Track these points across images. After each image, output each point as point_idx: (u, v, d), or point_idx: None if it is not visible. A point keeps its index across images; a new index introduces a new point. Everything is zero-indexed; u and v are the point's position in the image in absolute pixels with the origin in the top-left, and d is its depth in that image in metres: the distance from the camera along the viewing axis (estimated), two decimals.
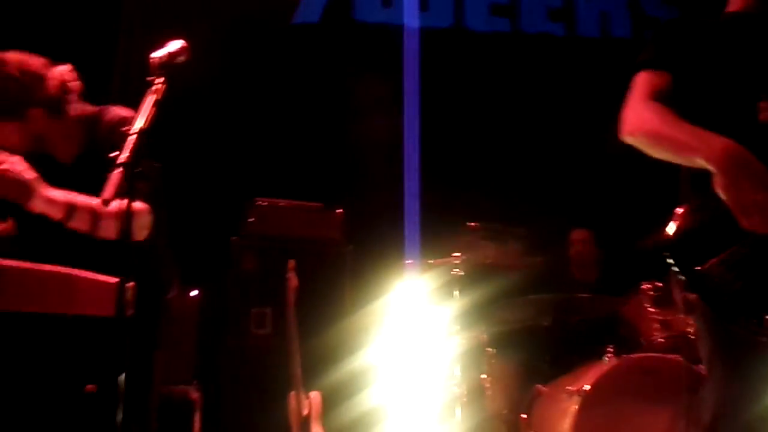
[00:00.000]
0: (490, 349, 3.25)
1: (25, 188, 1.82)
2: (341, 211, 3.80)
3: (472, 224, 3.24)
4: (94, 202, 1.90)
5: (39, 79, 2.04)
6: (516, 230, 3.29)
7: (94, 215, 1.90)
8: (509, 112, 4.43)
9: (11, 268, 1.69)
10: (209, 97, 4.02)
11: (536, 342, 3.38)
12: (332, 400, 3.31)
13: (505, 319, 3.34)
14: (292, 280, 3.32)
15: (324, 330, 3.54)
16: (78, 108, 2.12)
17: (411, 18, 4.53)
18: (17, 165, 1.85)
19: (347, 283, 3.71)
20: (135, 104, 2.17)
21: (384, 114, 4.28)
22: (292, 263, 3.35)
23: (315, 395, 3.22)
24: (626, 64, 1.88)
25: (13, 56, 2.04)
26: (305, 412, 3.19)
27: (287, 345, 3.27)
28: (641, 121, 1.75)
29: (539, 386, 3.16)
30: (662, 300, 3.04)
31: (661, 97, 1.76)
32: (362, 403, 3.40)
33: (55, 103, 2.06)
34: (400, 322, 3.43)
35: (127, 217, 1.59)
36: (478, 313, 3.32)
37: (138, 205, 1.70)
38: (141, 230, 1.95)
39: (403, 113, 4.29)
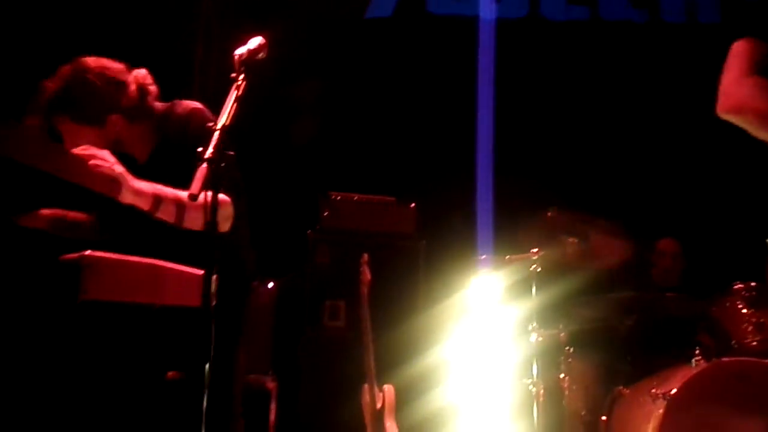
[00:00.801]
0: (568, 348, 3.15)
1: (115, 181, 1.88)
2: (414, 205, 3.79)
3: (550, 213, 3.13)
4: (179, 193, 1.94)
5: (119, 85, 2.08)
6: (597, 224, 3.17)
7: (180, 207, 1.94)
8: (588, 104, 4.28)
9: (103, 259, 1.76)
10: (283, 91, 4.08)
11: (618, 342, 3.26)
12: (406, 395, 3.30)
13: (585, 318, 3.24)
14: (366, 273, 3.33)
15: (397, 324, 3.54)
16: (153, 108, 2.16)
17: (485, 9, 4.45)
18: (107, 158, 1.92)
19: (420, 278, 3.70)
20: (214, 101, 2.23)
21: (457, 106, 4.22)
22: (365, 257, 3.36)
23: (388, 389, 3.22)
24: (715, 51, 1.77)
25: (93, 62, 2.09)
26: (379, 405, 3.20)
27: (361, 338, 3.28)
28: (747, 97, 1.63)
29: (621, 388, 3.05)
30: (757, 300, 2.86)
31: (763, 69, 1.64)
32: (436, 398, 3.38)
33: (134, 109, 2.10)
34: (475, 318, 3.38)
35: (213, 209, 1.63)
36: (556, 311, 3.23)
37: (221, 197, 1.73)
38: (225, 221, 1.98)
39: (477, 105, 4.22)
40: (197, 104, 2.14)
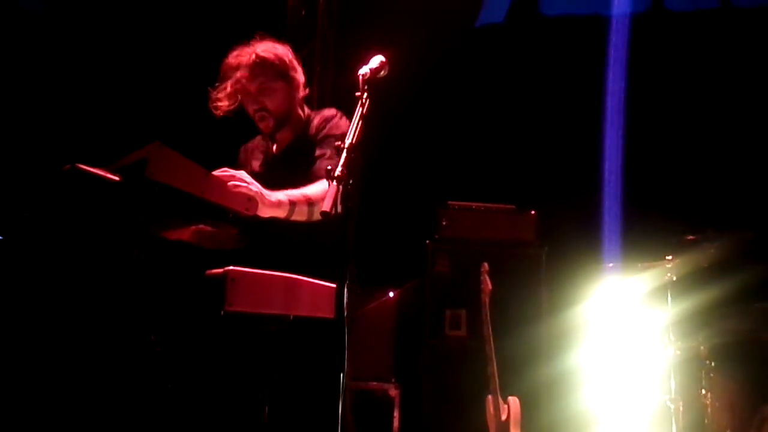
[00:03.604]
0: (710, 363, 2.94)
1: (253, 200, 2.01)
2: (535, 212, 3.72)
3: (690, 237, 2.96)
4: (306, 191, 2.13)
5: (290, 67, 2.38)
6: (739, 231, 2.94)
7: (310, 205, 2.12)
8: (720, 101, 3.99)
9: (245, 273, 1.88)
10: (400, 104, 4.14)
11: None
12: (530, 406, 3.23)
13: (729, 330, 3.00)
14: (487, 282, 3.30)
15: (520, 333, 3.48)
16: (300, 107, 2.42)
17: (602, 5, 4.29)
18: (245, 178, 2.06)
19: (543, 286, 3.61)
20: None
21: (581, 109, 4.08)
22: (485, 266, 3.34)
23: (513, 400, 3.17)
24: None
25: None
26: (504, 417, 3.15)
27: (482, 347, 3.26)
28: None
29: None
30: None
31: None
32: (563, 410, 3.28)
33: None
34: (602, 328, 3.25)
35: (344, 230, 1.70)
36: (695, 322, 3.03)
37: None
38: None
39: (605, 107, 4.06)
40: (333, 111, 2.41)
